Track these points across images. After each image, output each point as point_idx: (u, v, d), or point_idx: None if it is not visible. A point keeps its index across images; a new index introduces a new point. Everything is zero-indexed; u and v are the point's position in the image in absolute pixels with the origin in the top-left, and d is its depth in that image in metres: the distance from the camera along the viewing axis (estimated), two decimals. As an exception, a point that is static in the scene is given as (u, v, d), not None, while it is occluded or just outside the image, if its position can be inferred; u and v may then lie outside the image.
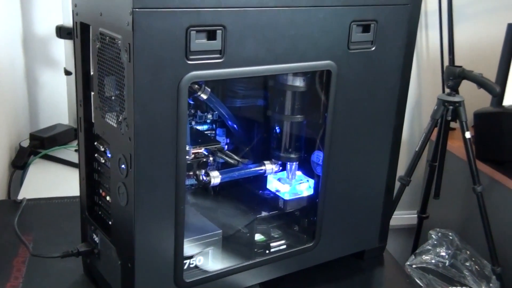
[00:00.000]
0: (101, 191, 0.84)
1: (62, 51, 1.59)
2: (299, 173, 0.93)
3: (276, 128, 0.90)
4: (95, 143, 0.83)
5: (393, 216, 1.91)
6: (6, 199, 1.26)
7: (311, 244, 0.91)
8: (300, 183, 0.92)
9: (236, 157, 0.88)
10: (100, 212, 0.86)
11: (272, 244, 0.91)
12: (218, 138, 0.95)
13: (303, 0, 0.77)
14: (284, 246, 0.92)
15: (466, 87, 1.63)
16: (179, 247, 0.77)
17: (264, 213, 0.91)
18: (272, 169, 0.90)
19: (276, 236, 0.94)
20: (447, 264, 1.68)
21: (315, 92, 0.88)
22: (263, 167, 0.90)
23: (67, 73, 1.56)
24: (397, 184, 1.63)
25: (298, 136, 0.90)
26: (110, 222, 0.81)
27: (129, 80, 0.67)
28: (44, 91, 1.69)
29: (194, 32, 0.69)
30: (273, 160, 0.91)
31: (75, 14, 0.79)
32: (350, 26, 0.83)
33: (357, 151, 0.92)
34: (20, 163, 1.40)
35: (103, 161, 0.82)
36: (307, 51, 0.80)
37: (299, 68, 0.81)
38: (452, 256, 1.69)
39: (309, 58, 0.80)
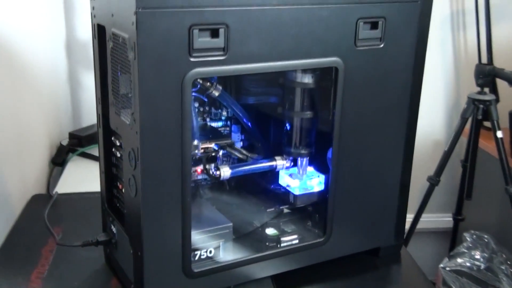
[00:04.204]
0: (118, 183, 0.89)
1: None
2: (311, 169, 0.95)
3: (287, 124, 0.92)
4: (112, 138, 0.87)
5: (428, 219, 1.91)
6: (43, 193, 1.33)
7: (321, 239, 0.93)
8: (311, 178, 0.93)
9: (245, 152, 0.90)
10: (118, 204, 0.90)
11: (283, 239, 0.93)
12: (233, 134, 0.98)
13: (307, -2, 0.79)
14: (296, 241, 0.94)
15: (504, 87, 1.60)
16: (186, 238, 0.80)
17: (274, 207, 0.93)
18: (283, 164, 0.92)
19: (288, 230, 0.96)
20: (482, 267, 1.65)
21: (325, 89, 0.89)
22: (274, 163, 0.92)
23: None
24: (427, 184, 1.61)
25: (308, 132, 0.92)
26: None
27: (135, 76, 0.71)
28: (86, 93, 1.77)
29: (197, 30, 0.72)
30: (284, 155, 0.93)
31: (93, 16, 0.84)
32: (357, 23, 0.84)
33: (368, 148, 0.92)
34: (59, 160, 1.48)
35: (119, 155, 0.86)
36: (312, 48, 0.81)
37: (304, 65, 0.83)
38: (487, 259, 1.65)
39: (315, 55, 0.82)
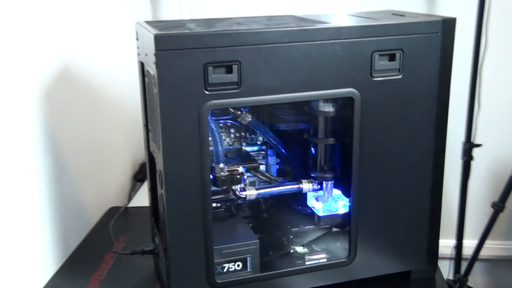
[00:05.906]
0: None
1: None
2: (337, 191, 1.00)
3: (312, 149, 0.98)
4: (154, 159, 0.99)
5: (500, 246, 1.82)
6: (119, 206, 1.49)
7: (345, 259, 0.97)
8: (337, 201, 0.99)
9: (268, 175, 0.98)
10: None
11: (309, 257, 0.99)
12: (269, 158, 1.06)
13: (318, 35, 0.85)
14: (324, 260, 0.99)
15: None
16: (209, 251, 0.89)
17: (300, 227, 0.99)
18: (309, 187, 0.98)
19: (318, 249, 1.01)
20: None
21: (348, 116, 0.94)
22: (300, 185, 0.98)
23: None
24: (491, 211, 1.56)
25: (332, 157, 0.98)
26: (162, 226, 0.97)
27: (157, 108, 0.82)
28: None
29: (212, 67, 0.81)
30: (310, 179, 0.99)
31: (137, 54, 0.97)
32: (372, 55, 0.88)
33: (391, 174, 0.95)
34: (139, 176, 1.65)
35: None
36: (326, 80, 0.87)
37: (317, 96, 0.89)
38: None
39: (329, 86, 0.88)
